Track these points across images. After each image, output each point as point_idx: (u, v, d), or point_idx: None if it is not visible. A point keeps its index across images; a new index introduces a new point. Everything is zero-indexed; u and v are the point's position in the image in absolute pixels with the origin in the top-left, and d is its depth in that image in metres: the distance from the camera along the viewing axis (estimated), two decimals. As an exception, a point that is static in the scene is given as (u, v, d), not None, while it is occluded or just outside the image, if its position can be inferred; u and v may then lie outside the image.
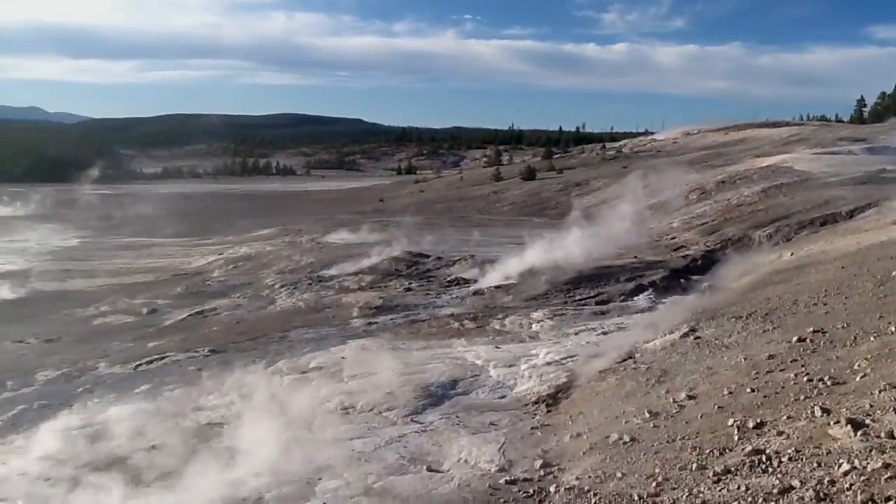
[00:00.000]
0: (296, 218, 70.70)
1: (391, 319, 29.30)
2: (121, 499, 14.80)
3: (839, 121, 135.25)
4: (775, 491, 9.61)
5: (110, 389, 21.52)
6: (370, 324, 28.74)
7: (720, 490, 10.45)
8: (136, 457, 16.89)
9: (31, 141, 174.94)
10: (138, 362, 24.27)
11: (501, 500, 13.29)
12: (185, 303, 34.28)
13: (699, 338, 20.12)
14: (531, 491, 13.35)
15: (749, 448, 11.19)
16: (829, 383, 13.25)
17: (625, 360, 20.15)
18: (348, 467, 16.16)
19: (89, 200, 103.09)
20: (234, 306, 33.24)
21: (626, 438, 14.10)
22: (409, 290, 34.59)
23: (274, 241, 52.20)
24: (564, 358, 22.34)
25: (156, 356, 24.98)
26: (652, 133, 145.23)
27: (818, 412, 11.60)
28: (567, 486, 12.87)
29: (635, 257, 37.47)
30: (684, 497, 10.73)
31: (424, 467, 15.50)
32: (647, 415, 15.07)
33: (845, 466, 9.29)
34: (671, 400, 15.68)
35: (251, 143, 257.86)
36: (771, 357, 16.25)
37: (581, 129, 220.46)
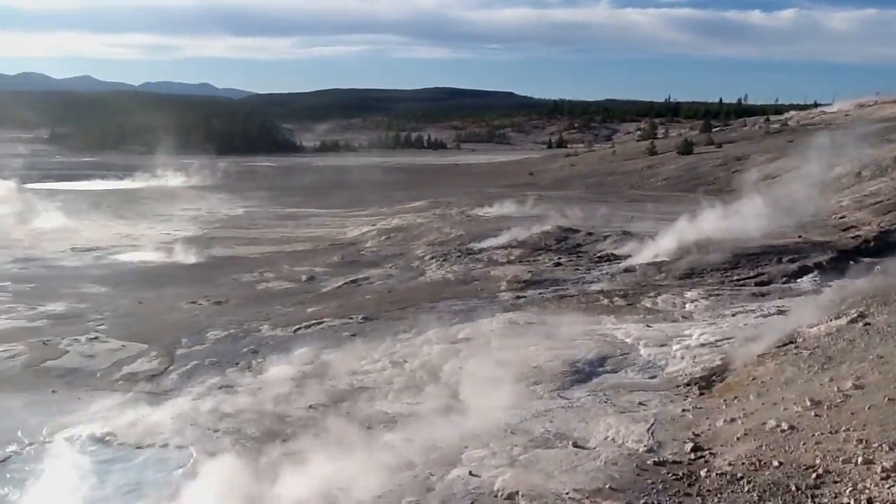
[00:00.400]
0: (446, 191, 71.75)
1: (539, 294, 29.29)
2: (280, 455, 15.71)
3: None
4: (952, 492, 8.96)
5: (272, 350, 22.77)
6: (518, 297, 28.85)
7: (889, 487, 9.84)
8: (295, 415, 17.86)
9: (202, 115, 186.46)
10: (297, 326, 25.53)
11: (649, 482, 13.09)
12: (341, 271, 35.66)
13: (869, 324, 18.87)
14: (680, 474, 13.07)
15: (923, 444, 10.47)
16: None
17: (785, 344, 19.22)
18: (494, 438, 16.38)
19: (254, 172, 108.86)
20: (386, 276, 34.26)
21: (785, 426, 13.50)
22: (558, 264, 34.39)
23: (425, 214, 53.25)
24: (720, 340, 21.59)
25: (313, 321, 26.19)
26: (821, 105, 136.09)
27: None
28: (719, 472, 12.51)
29: (800, 237, 35.45)
30: (847, 492, 10.18)
31: (570, 443, 15.49)
32: (809, 403, 14.35)
33: None
34: (835, 389, 14.84)
35: (404, 117, 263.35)
36: (952, 348, 15.06)
37: (743, 101, 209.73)
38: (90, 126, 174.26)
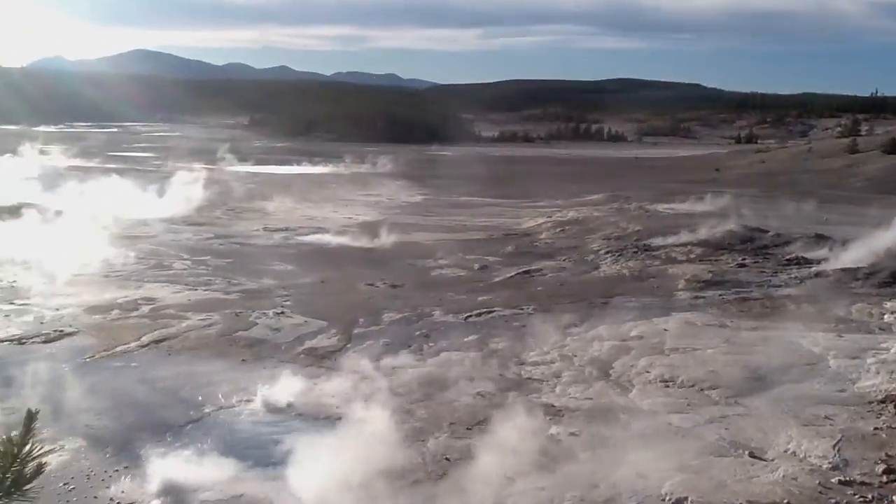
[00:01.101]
0: (624, 184, 70.19)
1: (720, 295, 27.99)
2: (446, 439, 15.99)
3: None
4: None
5: (443, 336, 23.22)
6: (697, 298, 27.72)
7: None
8: (463, 401, 18.12)
9: (387, 105, 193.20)
10: (468, 314, 25.88)
11: (832, 501, 12.19)
12: (514, 261, 35.77)
13: None
14: (869, 497, 12.08)
15: None
16: None
17: None
18: (664, 440, 15.86)
19: (433, 160, 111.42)
20: (558, 268, 34.00)
21: None
22: (742, 265, 32.71)
23: (601, 207, 52.37)
24: (922, 356, 19.74)
25: (484, 309, 26.44)
26: None
27: None
28: (917, 500, 11.43)
29: None
30: None
31: (746, 452, 14.72)
32: None
33: None
34: None
35: (584, 108, 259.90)
36: None
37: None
38: (284, 114, 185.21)
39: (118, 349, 21.77)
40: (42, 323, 23.90)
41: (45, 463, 2.31)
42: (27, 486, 2.24)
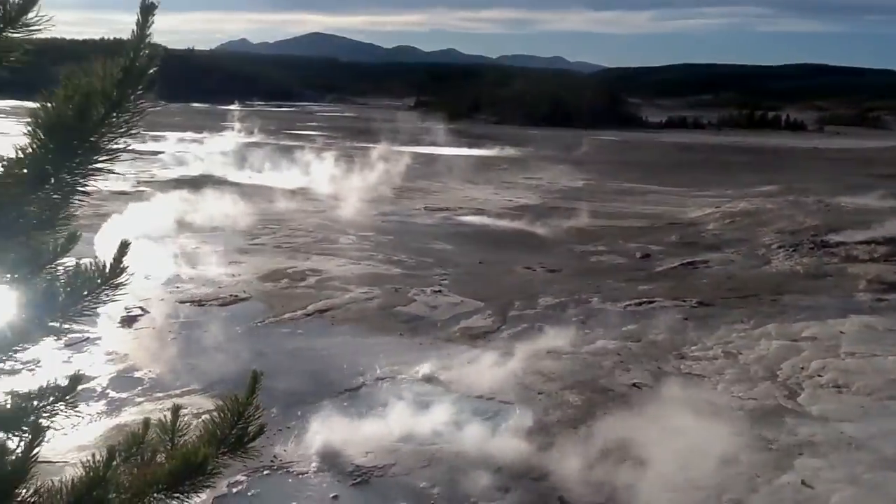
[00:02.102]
0: (802, 176, 65.99)
1: (905, 298, 25.81)
2: (602, 428, 15.72)
3: None
4: None
5: (599, 323, 22.78)
6: (879, 300, 25.68)
7: None
8: (617, 391, 17.74)
9: (552, 88, 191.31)
10: (627, 302, 25.26)
11: None
12: (678, 252, 34.54)
13: None
14: None
15: None
16: None
17: None
18: (834, 449, 14.86)
19: (598, 145, 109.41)
20: (726, 261, 32.49)
21: None
22: (932, 268, 29.99)
23: (775, 199, 49.48)
24: None
25: (644, 299, 25.72)
26: None
27: None
28: None
29: None
30: None
31: (930, 472, 13.53)
32: None
33: None
34: None
35: (760, 94, 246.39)
36: None
37: None
38: (449, 96, 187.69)
39: (286, 316, 22.91)
40: (219, 287, 25.56)
41: (265, 424, 2.41)
42: (250, 445, 2.35)
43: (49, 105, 1.92)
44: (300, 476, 13.79)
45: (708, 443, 15.06)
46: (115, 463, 2.24)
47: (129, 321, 21.75)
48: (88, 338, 20.13)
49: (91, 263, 2.22)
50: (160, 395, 16.83)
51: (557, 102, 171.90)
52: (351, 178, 52.73)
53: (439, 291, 26.37)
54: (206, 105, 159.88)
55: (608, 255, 33.89)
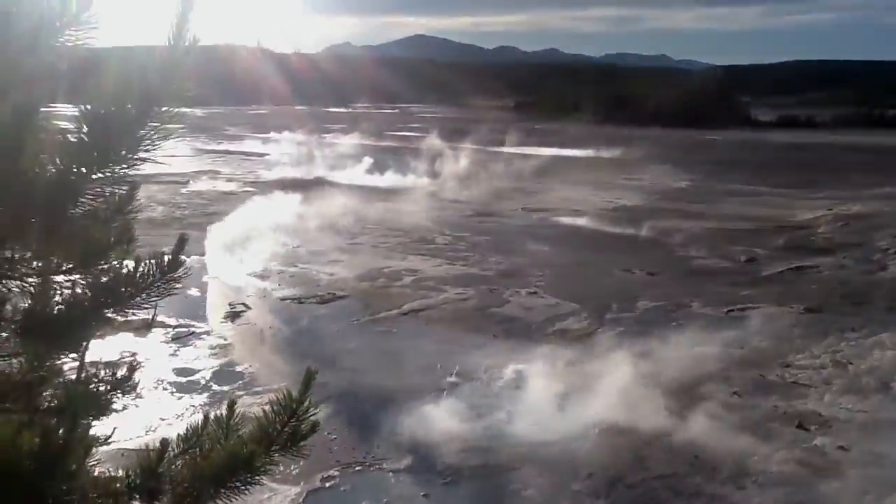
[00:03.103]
0: (924, 177, 62.19)
1: None
2: (698, 433, 15.24)
3: None
4: None
5: (700, 328, 22.03)
6: None
7: None
8: (717, 398, 17.14)
9: (656, 86, 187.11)
10: (730, 308, 24.43)
11: None
12: (785, 255, 33.14)
13: None
14: None
15: None
16: None
17: None
18: (954, 469, 13.94)
19: (703, 145, 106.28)
20: (837, 266, 30.97)
21: None
22: None
23: (893, 202, 46.78)
24: None
25: (749, 304, 24.80)
26: None
27: None
28: None
29: None
30: None
31: None
32: None
33: None
34: None
35: (879, 91, 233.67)
36: None
37: None
38: (550, 96, 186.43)
39: (381, 315, 23.22)
40: (318, 286, 26.14)
41: (318, 422, 2.43)
42: (302, 442, 2.38)
43: (93, 99, 1.97)
44: (391, 473, 13.94)
45: (813, 456, 14.40)
46: (167, 456, 2.29)
47: (232, 317, 22.56)
48: (194, 332, 20.97)
49: (150, 258, 2.28)
50: (259, 389, 17.33)
51: (662, 101, 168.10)
52: (449, 178, 53.03)
53: (535, 293, 26.17)
54: (310, 107, 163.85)
55: (711, 259, 32.84)
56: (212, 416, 2.48)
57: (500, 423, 15.66)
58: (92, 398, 2.46)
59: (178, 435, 2.40)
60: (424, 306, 24.31)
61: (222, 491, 2.29)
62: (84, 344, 2.36)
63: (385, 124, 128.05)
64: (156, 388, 17.20)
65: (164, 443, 2.31)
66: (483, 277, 28.21)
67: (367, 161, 57.42)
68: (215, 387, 17.57)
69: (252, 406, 15.63)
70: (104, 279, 2.26)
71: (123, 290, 2.27)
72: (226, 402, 2.56)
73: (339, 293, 25.35)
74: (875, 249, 33.60)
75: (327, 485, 13.48)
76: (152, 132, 2.04)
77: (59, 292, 2.28)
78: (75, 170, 2.02)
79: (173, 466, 2.32)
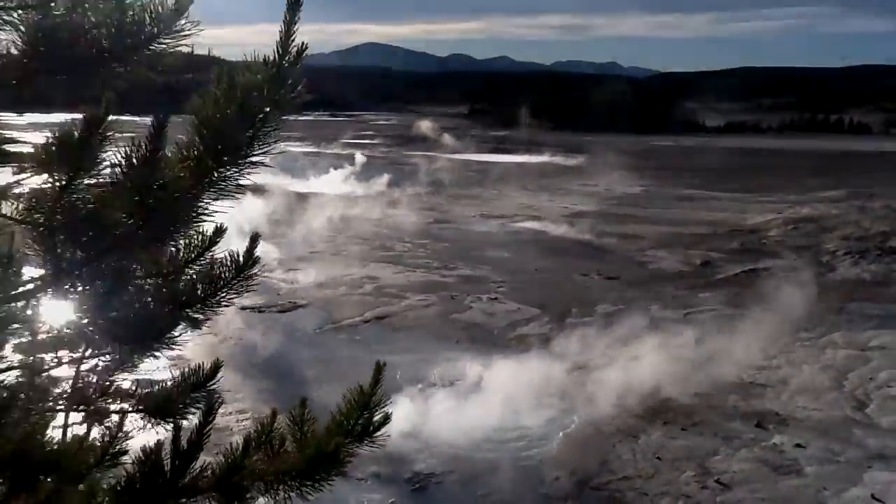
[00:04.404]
0: (868, 181, 64.11)
1: (980, 307, 24.88)
2: (659, 437, 15.51)
3: None
4: None
5: (660, 331, 22.30)
6: (951, 308, 24.82)
7: None
8: (680, 400, 17.44)
9: (607, 94, 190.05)
10: (688, 310, 24.89)
11: None
12: (739, 259, 33.89)
13: None
14: None
15: None
16: None
17: None
18: (907, 463, 14.41)
19: (655, 151, 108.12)
20: (789, 268, 31.71)
21: None
22: None
23: (840, 205, 48.17)
24: None
25: (706, 307, 25.34)
26: None
27: None
28: None
29: None
30: None
31: None
32: None
33: None
34: None
35: (823, 97, 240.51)
36: None
37: None
38: (503, 103, 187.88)
39: (344, 323, 23.15)
40: (278, 294, 25.95)
41: (390, 414, 2.50)
42: (376, 434, 2.44)
43: (208, 101, 2.00)
44: (357, 481, 13.88)
45: (772, 454, 14.75)
46: (251, 452, 2.34)
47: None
48: (153, 343, 20.65)
49: (226, 256, 2.32)
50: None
51: (613, 108, 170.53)
52: (406, 185, 53.08)
53: (496, 299, 26.34)
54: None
55: (668, 263, 33.41)
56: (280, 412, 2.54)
57: (466, 429, 15.71)
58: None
59: (249, 433, 2.44)
60: (387, 313, 24.30)
61: (308, 484, 2.35)
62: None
63: (338, 132, 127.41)
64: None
65: (248, 440, 2.37)
66: (444, 284, 28.30)
67: (322, 169, 57.18)
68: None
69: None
70: (187, 278, 2.29)
71: (201, 289, 2.30)
72: (299, 399, 2.62)
73: (299, 302, 25.20)
74: (824, 252, 34.52)
75: (292, 494, 13.36)
76: (261, 139, 2.08)
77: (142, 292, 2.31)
78: (191, 179, 2.05)
79: (255, 461, 2.37)
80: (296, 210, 39.11)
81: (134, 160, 1.98)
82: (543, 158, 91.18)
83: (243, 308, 24.30)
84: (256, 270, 2.35)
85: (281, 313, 24.06)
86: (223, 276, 2.32)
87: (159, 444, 2.25)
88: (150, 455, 2.24)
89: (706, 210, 50.49)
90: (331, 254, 32.68)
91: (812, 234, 38.84)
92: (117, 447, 2.53)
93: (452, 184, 58.72)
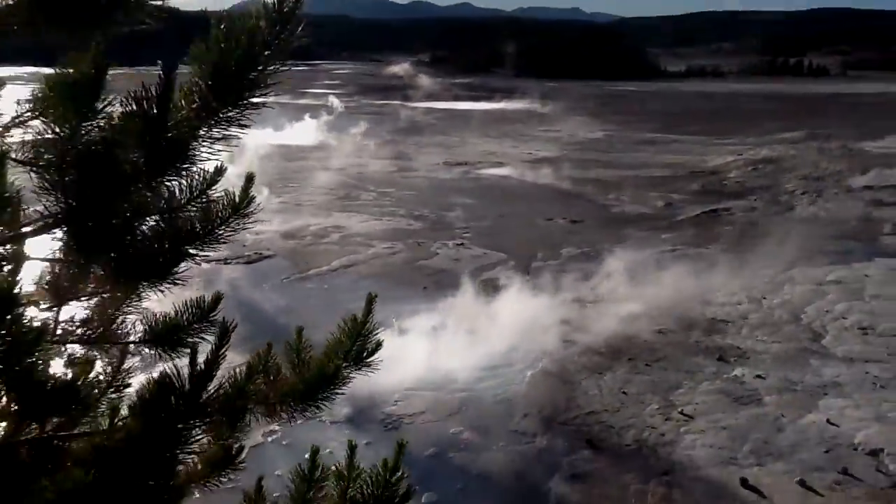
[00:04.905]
0: (825, 122, 64.96)
1: (931, 241, 25.62)
2: (624, 373, 15.90)
3: None
4: None
5: (624, 272, 22.63)
6: (904, 243, 25.52)
7: None
8: (642, 337, 17.85)
9: (569, 40, 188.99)
10: (651, 251, 25.25)
11: None
12: (700, 200, 34.37)
13: None
14: None
15: None
16: None
17: None
18: (860, 389, 14.97)
19: (616, 96, 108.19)
20: (748, 208, 32.31)
21: None
22: (959, 210, 29.70)
23: (798, 146, 48.87)
24: None
25: (668, 248, 25.72)
26: None
27: None
28: None
29: None
30: None
31: (957, 408, 13.60)
32: None
33: None
34: None
35: (782, 41, 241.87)
36: None
37: None
38: (465, 51, 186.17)
39: (311, 272, 23.17)
40: (244, 246, 25.79)
41: (382, 341, 2.67)
42: (370, 358, 2.61)
43: (211, 46, 2.06)
44: (331, 424, 14.08)
45: (733, 386, 15.23)
46: (254, 377, 2.46)
47: (157, 280, 22.09)
48: (119, 296, 20.50)
49: (223, 196, 2.41)
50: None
51: (575, 54, 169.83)
52: (369, 134, 52.64)
53: (462, 244, 26.48)
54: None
55: (630, 206, 33.77)
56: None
57: (437, 371, 15.94)
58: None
59: (248, 361, 2.57)
60: (353, 262, 24.34)
61: (309, 404, 2.49)
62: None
63: (298, 81, 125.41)
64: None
65: (251, 367, 2.49)
66: (410, 231, 28.36)
67: (284, 119, 56.43)
68: (146, 351, 17.27)
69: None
70: (184, 216, 2.37)
71: (200, 226, 2.39)
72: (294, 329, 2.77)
73: (265, 252, 25.12)
74: (782, 191, 35.15)
75: (270, 439, 13.56)
76: (262, 81, 2.14)
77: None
78: (196, 120, 2.12)
79: (259, 385, 2.50)
80: (259, 161, 38.69)
81: (144, 102, 2.06)
82: (506, 105, 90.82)
83: (209, 261, 24.17)
84: (252, 209, 2.45)
85: (248, 264, 23.97)
86: (220, 214, 2.42)
87: (177, 367, 2.37)
88: (168, 377, 2.34)
89: (668, 153, 50.88)
90: (295, 204, 32.49)
91: (771, 174, 39.46)
92: (120, 381, 2.66)
93: (416, 131, 58.37)
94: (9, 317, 1.94)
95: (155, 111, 2.08)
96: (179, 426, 2.32)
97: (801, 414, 14.02)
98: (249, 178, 2.54)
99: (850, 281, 21.48)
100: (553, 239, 27.28)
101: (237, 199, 2.46)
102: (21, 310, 1.99)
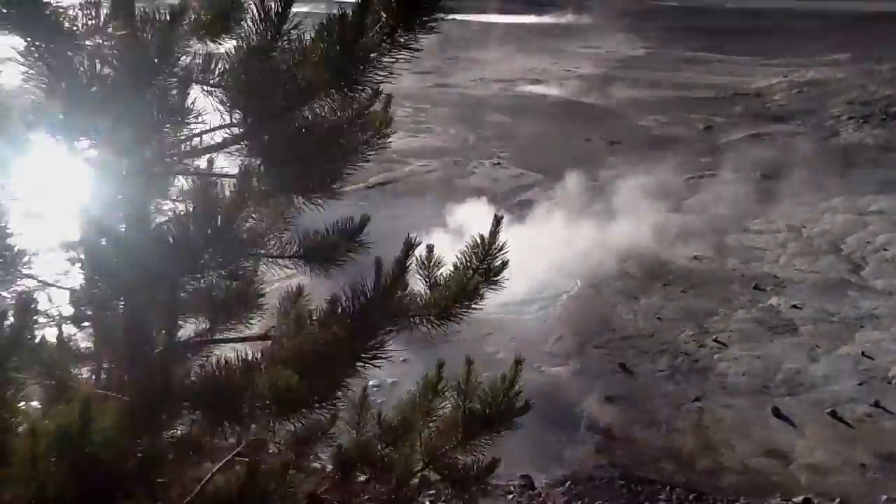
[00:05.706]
0: (876, 43, 62.51)
1: (981, 172, 24.97)
2: (659, 299, 15.98)
3: None
4: None
5: (660, 196, 22.42)
6: (952, 173, 24.91)
7: None
8: (678, 263, 17.86)
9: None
10: (690, 175, 24.96)
11: None
12: (742, 123, 33.66)
13: None
14: None
15: None
16: None
17: None
18: (895, 322, 14.94)
19: (660, 11, 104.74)
20: (792, 133, 31.60)
21: None
22: None
23: (847, 68, 47.25)
24: None
25: (707, 172, 25.39)
26: None
27: None
28: None
29: None
30: None
31: None
32: None
33: None
34: None
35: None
36: None
37: None
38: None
39: (347, 189, 23.18)
40: (281, 160, 25.92)
41: (508, 260, 2.83)
42: (496, 276, 2.78)
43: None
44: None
45: (769, 315, 15.25)
46: (390, 291, 2.68)
47: (197, 192, 22.36)
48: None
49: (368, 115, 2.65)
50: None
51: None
52: (405, 48, 51.74)
53: (499, 164, 26.35)
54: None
55: (670, 127, 33.20)
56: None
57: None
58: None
59: (386, 273, 2.72)
60: (389, 179, 24.38)
61: (451, 315, 2.70)
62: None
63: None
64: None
65: (388, 280, 2.65)
66: (446, 149, 28.23)
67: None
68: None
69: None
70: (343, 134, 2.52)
71: (354, 144, 2.54)
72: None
73: (302, 167, 25.21)
74: (828, 116, 34.25)
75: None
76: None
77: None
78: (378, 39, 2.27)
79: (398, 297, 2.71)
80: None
81: (336, 24, 2.20)
82: (545, 19, 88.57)
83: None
84: (390, 130, 2.63)
85: (284, 179, 24.09)
86: (369, 133, 2.59)
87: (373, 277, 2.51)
88: (361, 288, 2.57)
89: (710, 73, 49.58)
90: (331, 118, 32.38)
91: (816, 98, 38.37)
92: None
93: (451, 46, 57.29)
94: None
95: (349, 34, 2.22)
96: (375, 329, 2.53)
97: (837, 345, 14.05)
98: (388, 100, 2.72)
99: (893, 212, 21.11)
100: (591, 159, 26.99)
101: (379, 120, 2.62)
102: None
